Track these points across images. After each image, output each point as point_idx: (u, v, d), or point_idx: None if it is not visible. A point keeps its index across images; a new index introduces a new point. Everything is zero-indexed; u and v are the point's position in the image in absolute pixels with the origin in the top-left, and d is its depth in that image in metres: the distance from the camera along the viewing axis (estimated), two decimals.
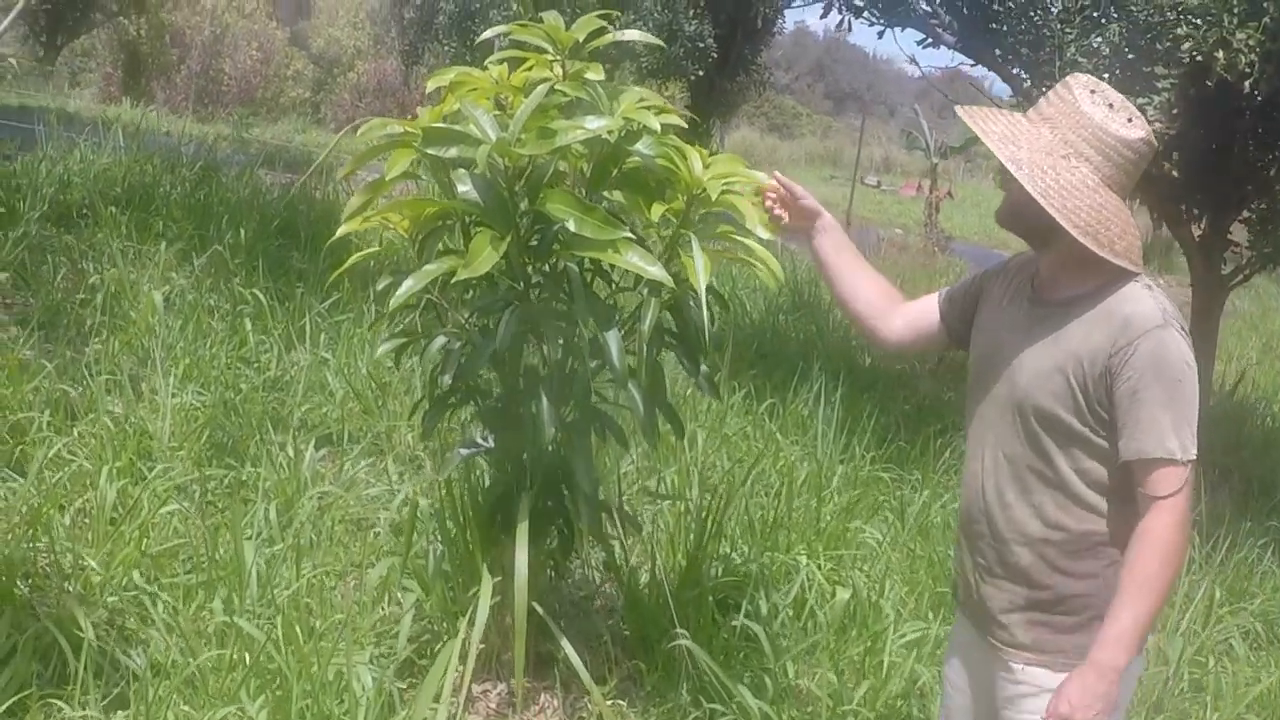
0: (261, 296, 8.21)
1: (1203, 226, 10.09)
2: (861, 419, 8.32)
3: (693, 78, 18.93)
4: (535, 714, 4.46)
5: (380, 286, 4.12)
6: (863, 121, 35.92)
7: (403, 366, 5.65)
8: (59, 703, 4.01)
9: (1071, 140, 3.01)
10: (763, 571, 5.49)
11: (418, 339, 4.17)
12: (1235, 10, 7.64)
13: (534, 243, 3.67)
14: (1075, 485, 3.10)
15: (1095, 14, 9.30)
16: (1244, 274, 10.24)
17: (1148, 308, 3.00)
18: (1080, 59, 9.25)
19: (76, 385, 6.46)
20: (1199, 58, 7.88)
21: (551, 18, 3.72)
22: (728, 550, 5.72)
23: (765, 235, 3.59)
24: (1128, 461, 2.98)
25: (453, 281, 3.45)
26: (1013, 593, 3.22)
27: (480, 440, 4.19)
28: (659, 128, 3.52)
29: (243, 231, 9.63)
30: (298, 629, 4.40)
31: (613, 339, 3.55)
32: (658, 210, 3.51)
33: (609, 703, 4.40)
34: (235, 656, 4.32)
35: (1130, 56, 8.91)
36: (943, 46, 11.00)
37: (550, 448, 3.94)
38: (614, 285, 4.04)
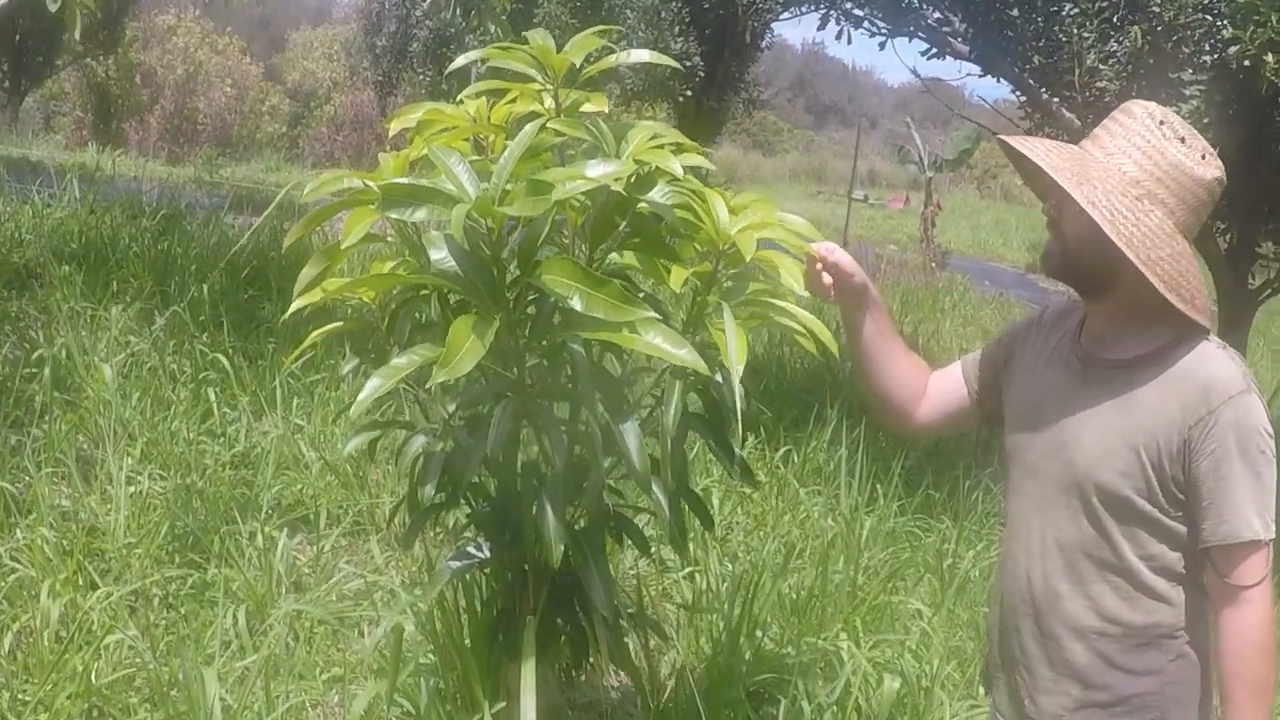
0: (227, 361, 7.52)
1: (1230, 239, 9.61)
2: (883, 461, 7.68)
3: (680, 99, 18.32)
4: None
5: (344, 370, 3.44)
6: (857, 136, 35.12)
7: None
8: None
9: (1142, 180, 2.68)
10: (800, 657, 4.85)
11: (394, 428, 3.49)
12: None
13: (528, 313, 2.97)
14: (1141, 573, 2.74)
15: (1114, 17, 8.75)
16: (1273, 288, 9.76)
17: (1228, 371, 2.68)
18: (1100, 65, 8.73)
19: (19, 479, 5.77)
20: (1246, 62, 7.25)
21: (540, 37, 3.00)
22: (759, 634, 5.07)
23: (804, 292, 2.93)
24: (1209, 547, 2.66)
25: (428, 385, 2.74)
26: (1063, 694, 2.86)
27: (474, 550, 3.47)
28: (681, 171, 2.82)
29: (207, 286, 8.92)
30: None
31: (630, 432, 2.85)
32: (679, 277, 2.77)
33: None
34: None
35: (1152, 61, 8.40)
36: (948, 57, 10.45)
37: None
38: (626, 359, 3.34)
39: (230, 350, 7.84)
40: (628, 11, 16.76)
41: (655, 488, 2.96)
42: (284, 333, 8.13)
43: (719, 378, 2.96)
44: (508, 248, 2.75)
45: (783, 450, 8.00)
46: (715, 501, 6.56)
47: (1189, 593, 2.73)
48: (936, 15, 10.44)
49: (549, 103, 3.06)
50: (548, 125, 2.86)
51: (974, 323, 18.67)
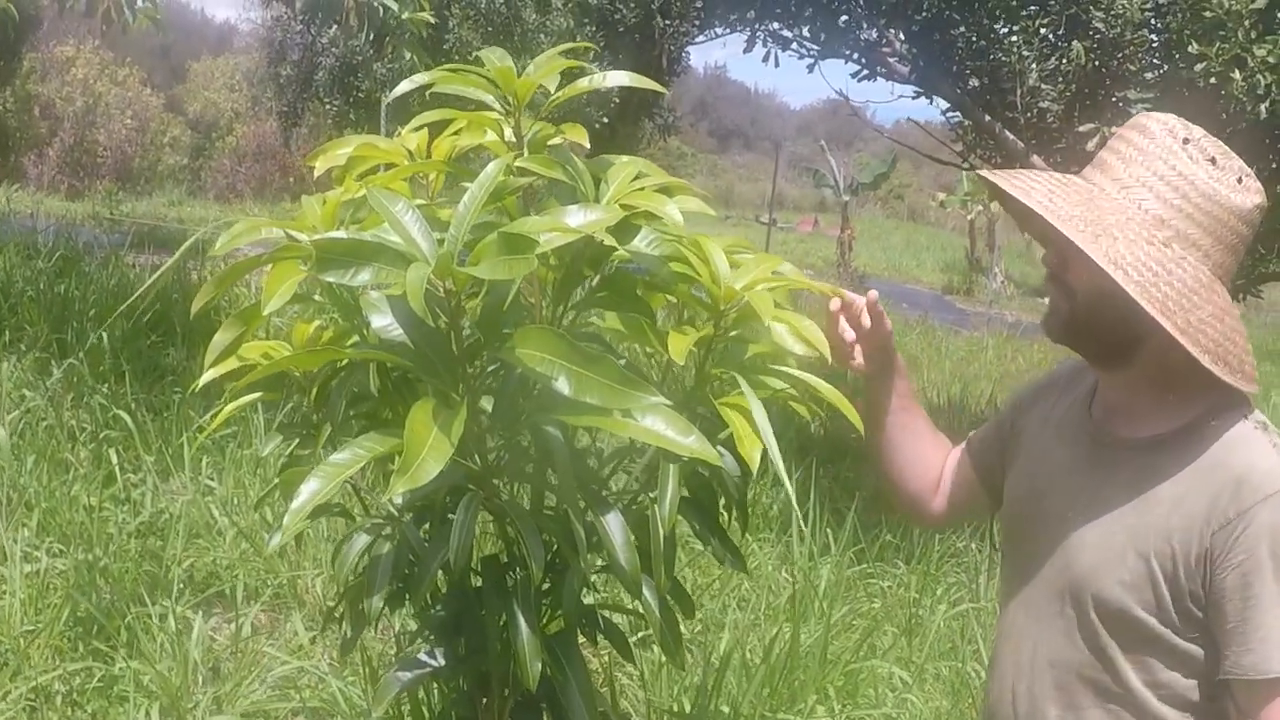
0: (129, 418, 6.97)
1: None
2: (832, 503, 7.35)
3: (596, 125, 17.88)
4: None
5: (266, 449, 2.94)
6: (776, 159, 34.98)
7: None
8: None
9: (1169, 219, 2.15)
10: None
11: (325, 516, 3.00)
12: (1248, 25, 6.78)
13: (491, 383, 2.48)
14: (1147, 702, 2.21)
15: (1053, 35, 8.51)
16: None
17: (1270, 461, 2.15)
18: (1042, 84, 8.48)
19: None
20: (1213, 80, 6.97)
21: (497, 58, 2.50)
22: (728, 711, 4.65)
23: (805, 352, 2.45)
24: (1230, 680, 2.11)
25: (386, 497, 2.22)
26: None
27: (425, 657, 2.95)
28: (679, 218, 2.34)
29: (106, 333, 8.35)
30: None
31: (615, 525, 2.35)
32: (681, 345, 2.26)
33: None
34: None
35: (1097, 80, 8.20)
36: (879, 79, 10.15)
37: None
38: (593, 438, 2.85)
39: (133, 404, 7.31)
40: (541, 36, 16.33)
41: (646, 591, 2.48)
42: (192, 375, 7.61)
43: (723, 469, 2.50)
44: (468, 313, 2.26)
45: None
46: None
47: None
48: (873, 34, 10.11)
49: (507, 134, 2.56)
50: (515, 163, 2.36)
51: (901, 349, 18.39)
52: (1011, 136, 9.03)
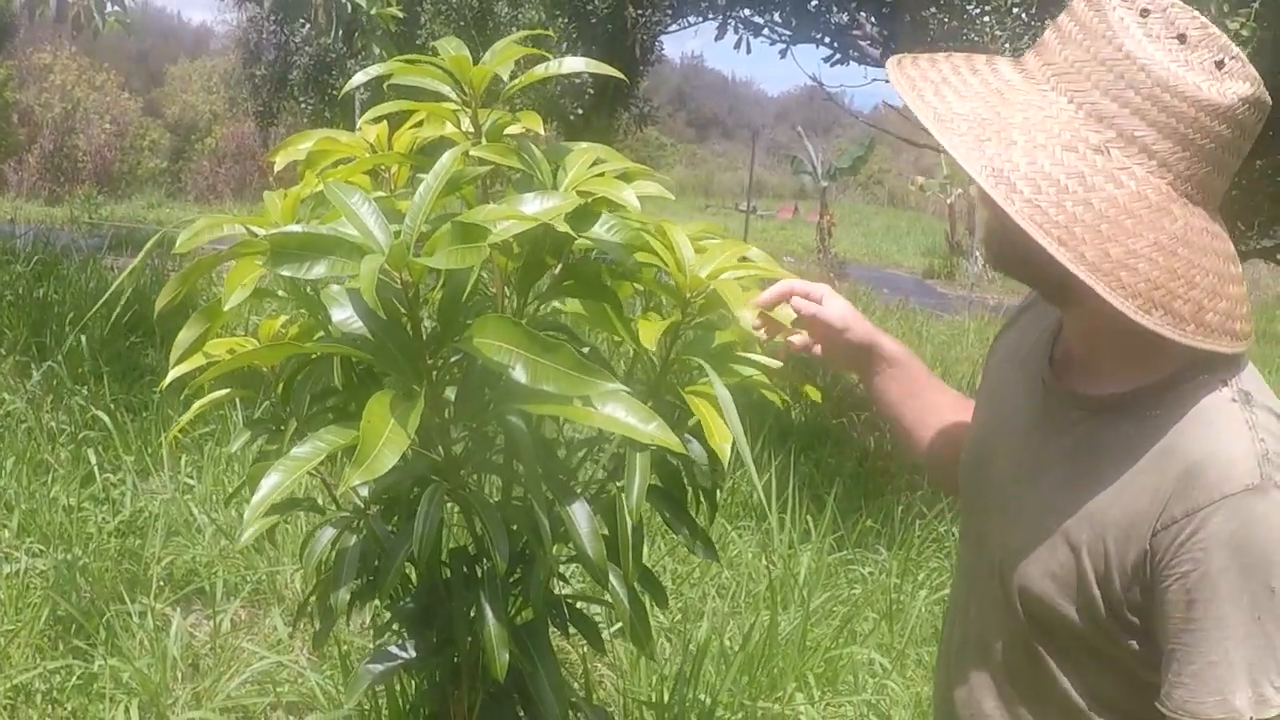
0: (108, 418, 6.96)
1: None
2: (812, 489, 7.33)
3: (571, 117, 17.81)
4: None
5: (235, 445, 2.93)
6: (753, 148, 34.84)
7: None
8: None
9: (1110, 113, 1.63)
10: None
11: (294, 509, 2.98)
12: None
13: (453, 377, 2.47)
14: (1079, 711, 1.85)
15: (1025, 14, 8.46)
16: None
17: (1236, 447, 1.66)
18: None
19: None
20: None
21: (453, 47, 2.48)
22: (705, 698, 4.63)
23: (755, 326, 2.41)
24: (1162, 711, 1.69)
25: (341, 490, 2.22)
26: None
27: (396, 649, 2.95)
28: (636, 203, 2.32)
29: (85, 335, 8.34)
30: None
31: (581, 514, 2.34)
32: (651, 333, 2.25)
33: None
34: None
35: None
36: (852, 62, 10.13)
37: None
38: (559, 426, 2.83)
39: (112, 404, 7.31)
40: (513, 29, 16.31)
41: (613, 579, 2.48)
42: (169, 386, 7.57)
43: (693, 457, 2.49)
44: (427, 302, 2.26)
45: None
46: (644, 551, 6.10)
47: None
48: (844, 18, 10.09)
49: (465, 124, 2.55)
50: (470, 152, 2.35)
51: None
52: None
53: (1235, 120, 1.64)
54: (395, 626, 2.95)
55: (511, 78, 2.51)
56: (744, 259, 2.43)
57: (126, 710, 4.40)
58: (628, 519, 2.35)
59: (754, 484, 6.71)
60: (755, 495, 7.21)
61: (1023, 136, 1.64)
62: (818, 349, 2.41)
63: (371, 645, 3.37)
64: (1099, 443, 1.80)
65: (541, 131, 2.52)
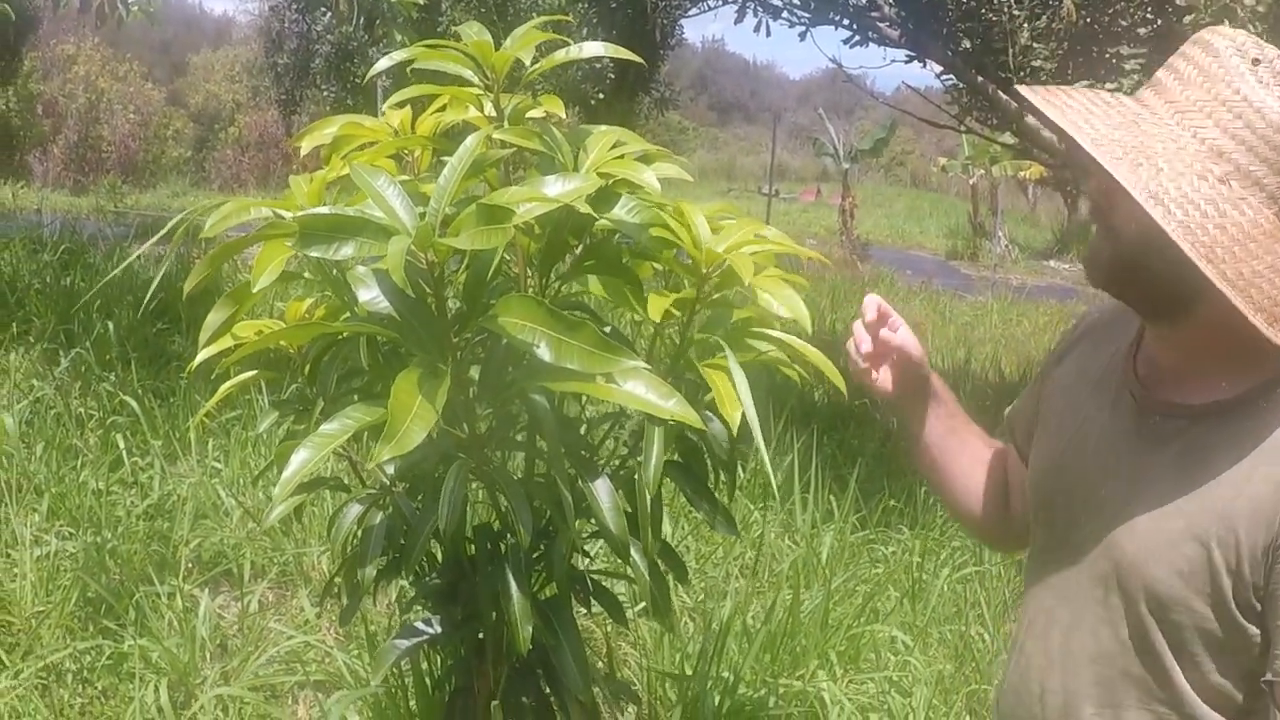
0: (136, 403, 7.03)
1: None
2: (834, 469, 7.36)
3: (592, 102, 17.89)
4: None
5: (261, 425, 2.99)
6: (774, 131, 34.71)
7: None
8: None
9: (1229, 150, 1.78)
10: (779, 707, 4.46)
11: (321, 488, 3.04)
12: None
13: (479, 357, 2.52)
14: (1195, 707, 1.92)
15: None
16: None
17: None
18: (1034, 44, 8.45)
19: None
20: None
21: (474, 32, 2.53)
22: (727, 675, 4.67)
23: (806, 326, 2.43)
24: (1273, 682, 1.82)
25: (370, 465, 2.26)
26: None
27: (422, 625, 3.01)
28: (657, 185, 2.37)
29: (112, 322, 8.42)
30: None
31: (603, 489, 2.40)
32: (659, 306, 2.31)
33: None
34: None
35: (1091, 35, 8.14)
36: (871, 44, 10.12)
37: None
38: (584, 402, 2.88)
39: (140, 390, 7.37)
40: (534, 14, 16.37)
41: (634, 552, 2.53)
42: (197, 370, 7.65)
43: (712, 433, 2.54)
44: (452, 284, 2.31)
45: None
46: (667, 528, 6.15)
47: None
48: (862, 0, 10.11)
49: (488, 108, 2.60)
50: (493, 135, 2.40)
51: (905, 315, 18.38)
52: (1005, 97, 9.00)
53: None
54: (421, 602, 3.01)
55: (532, 63, 2.55)
56: (759, 236, 2.47)
57: (156, 689, 4.45)
58: (646, 493, 2.38)
59: (782, 460, 6.76)
60: (779, 475, 7.24)
61: (1165, 164, 1.78)
62: (885, 379, 2.41)
63: (397, 624, 3.43)
64: (1208, 443, 1.91)
65: (563, 115, 2.56)
